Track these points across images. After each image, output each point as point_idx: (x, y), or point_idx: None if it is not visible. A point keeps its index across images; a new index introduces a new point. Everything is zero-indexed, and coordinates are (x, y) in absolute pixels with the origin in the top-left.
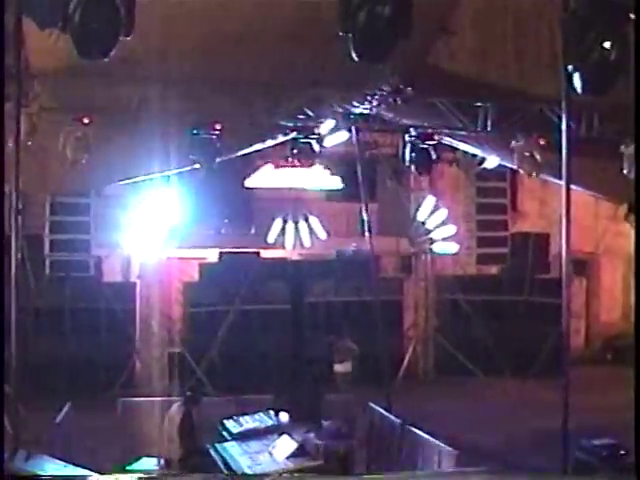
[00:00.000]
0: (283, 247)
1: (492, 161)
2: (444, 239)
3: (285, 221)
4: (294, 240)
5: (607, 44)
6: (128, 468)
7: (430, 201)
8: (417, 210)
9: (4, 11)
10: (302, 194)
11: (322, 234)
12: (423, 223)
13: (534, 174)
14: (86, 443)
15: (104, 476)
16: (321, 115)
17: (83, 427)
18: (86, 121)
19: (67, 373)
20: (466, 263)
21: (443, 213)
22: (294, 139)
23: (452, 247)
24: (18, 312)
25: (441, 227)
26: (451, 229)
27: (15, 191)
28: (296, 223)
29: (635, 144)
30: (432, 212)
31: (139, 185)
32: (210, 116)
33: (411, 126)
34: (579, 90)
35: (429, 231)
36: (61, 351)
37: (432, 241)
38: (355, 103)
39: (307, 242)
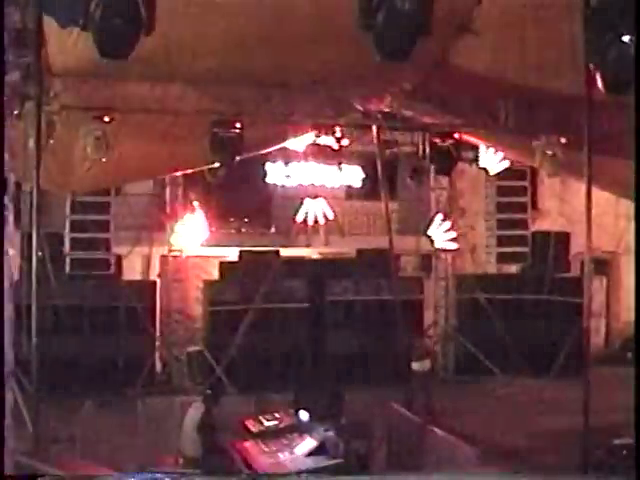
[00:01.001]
0: (303, 246)
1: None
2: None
3: (305, 220)
4: (314, 239)
5: (628, 40)
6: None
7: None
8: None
9: (4, 9)
10: (322, 193)
11: (342, 233)
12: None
13: (553, 175)
14: (106, 441)
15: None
16: (341, 113)
17: (103, 425)
18: (106, 120)
19: (87, 371)
20: (486, 262)
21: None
22: (315, 137)
23: (470, 245)
24: (38, 310)
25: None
26: (470, 227)
27: (35, 190)
28: (316, 222)
29: (635, 144)
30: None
31: (158, 183)
32: (230, 114)
33: (431, 125)
34: (602, 89)
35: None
36: (81, 349)
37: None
38: (376, 101)
39: (327, 241)
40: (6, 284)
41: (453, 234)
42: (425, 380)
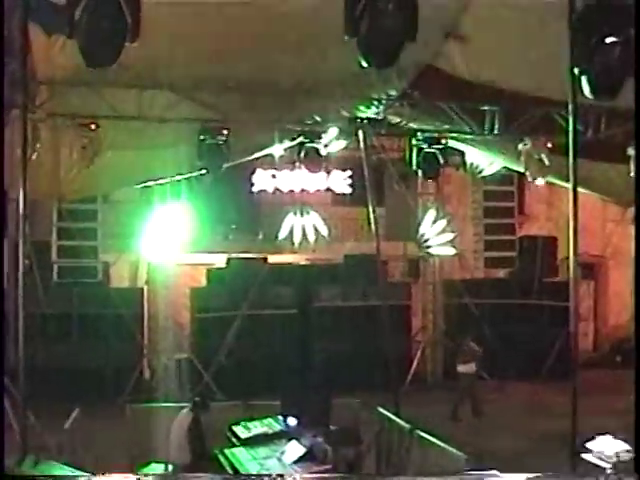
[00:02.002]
0: (290, 252)
1: (498, 164)
2: (449, 242)
3: (292, 226)
4: (301, 245)
5: (614, 46)
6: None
7: (436, 205)
8: (424, 215)
9: (4, 18)
10: (309, 199)
11: (329, 239)
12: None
13: (540, 179)
14: (94, 449)
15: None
16: (328, 120)
17: (91, 433)
18: (93, 127)
19: (75, 379)
20: (474, 267)
21: (449, 217)
22: (301, 144)
23: (458, 250)
24: (26, 318)
25: (447, 232)
26: (457, 232)
27: (22, 197)
28: (303, 228)
29: (635, 144)
30: (439, 216)
31: (146, 191)
32: (217, 122)
33: (418, 130)
34: (587, 93)
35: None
36: (69, 357)
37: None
38: (362, 107)
39: (314, 247)
40: None
41: (447, 237)
42: (470, 381)
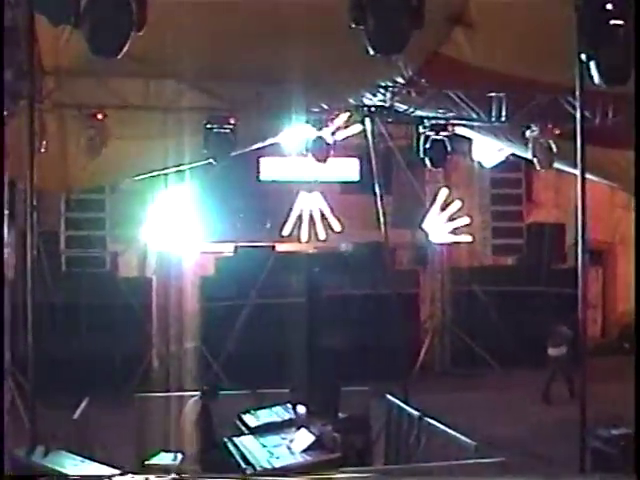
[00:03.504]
0: (298, 240)
1: (506, 152)
2: (458, 230)
3: (300, 214)
4: (309, 233)
5: (621, 32)
6: (147, 463)
7: (444, 193)
8: (432, 202)
9: (4, 8)
10: (317, 187)
11: (337, 227)
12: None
13: (547, 166)
14: (104, 439)
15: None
16: (335, 108)
17: (101, 423)
18: (100, 117)
19: (84, 369)
20: (482, 254)
21: (457, 205)
22: (308, 132)
23: (466, 238)
24: (34, 308)
25: (455, 219)
26: (465, 220)
27: (30, 188)
28: (311, 216)
29: (635, 140)
30: (447, 204)
31: (154, 181)
32: (224, 110)
33: (425, 118)
34: (596, 79)
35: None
36: (78, 347)
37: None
38: (369, 95)
39: (322, 235)
40: None
41: (463, 221)
42: (562, 364)
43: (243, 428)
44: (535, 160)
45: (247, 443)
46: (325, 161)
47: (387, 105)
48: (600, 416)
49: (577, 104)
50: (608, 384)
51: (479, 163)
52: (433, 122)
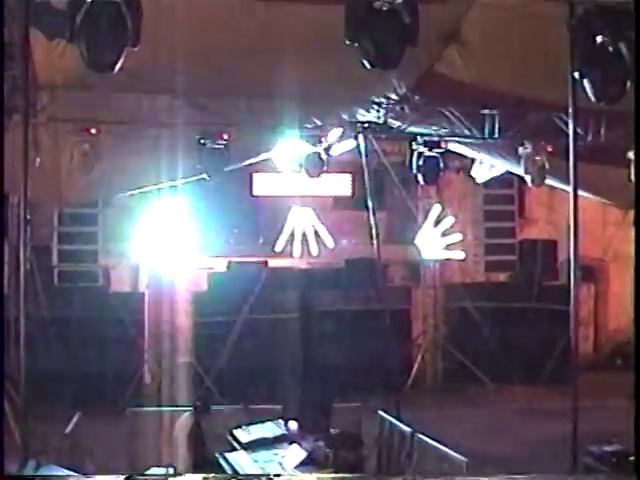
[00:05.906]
0: (291, 256)
1: (499, 169)
2: (450, 246)
3: (293, 230)
4: (302, 249)
5: (614, 50)
6: (138, 478)
7: (437, 209)
8: (425, 219)
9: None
10: (310, 203)
11: (330, 243)
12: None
13: (540, 182)
14: (95, 453)
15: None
16: (328, 124)
17: (92, 437)
18: (94, 132)
19: (76, 383)
20: (474, 271)
21: (450, 221)
22: (302, 148)
23: (459, 254)
24: (27, 322)
25: (448, 235)
26: (458, 236)
27: (23, 202)
28: (304, 232)
29: (635, 148)
30: (439, 220)
31: (147, 195)
32: (218, 126)
33: (418, 134)
34: (591, 97)
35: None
36: (70, 361)
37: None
38: (362, 111)
39: (315, 251)
40: None
41: (456, 238)
42: None
43: (235, 444)
44: (528, 177)
45: (239, 459)
46: (318, 177)
47: (381, 121)
48: (592, 432)
49: (570, 121)
50: (601, 400)
51: (472, 179)
52: (426, 139)
